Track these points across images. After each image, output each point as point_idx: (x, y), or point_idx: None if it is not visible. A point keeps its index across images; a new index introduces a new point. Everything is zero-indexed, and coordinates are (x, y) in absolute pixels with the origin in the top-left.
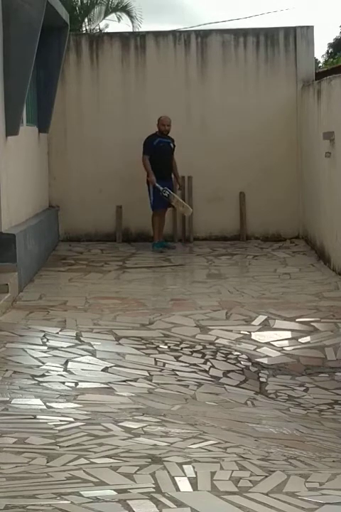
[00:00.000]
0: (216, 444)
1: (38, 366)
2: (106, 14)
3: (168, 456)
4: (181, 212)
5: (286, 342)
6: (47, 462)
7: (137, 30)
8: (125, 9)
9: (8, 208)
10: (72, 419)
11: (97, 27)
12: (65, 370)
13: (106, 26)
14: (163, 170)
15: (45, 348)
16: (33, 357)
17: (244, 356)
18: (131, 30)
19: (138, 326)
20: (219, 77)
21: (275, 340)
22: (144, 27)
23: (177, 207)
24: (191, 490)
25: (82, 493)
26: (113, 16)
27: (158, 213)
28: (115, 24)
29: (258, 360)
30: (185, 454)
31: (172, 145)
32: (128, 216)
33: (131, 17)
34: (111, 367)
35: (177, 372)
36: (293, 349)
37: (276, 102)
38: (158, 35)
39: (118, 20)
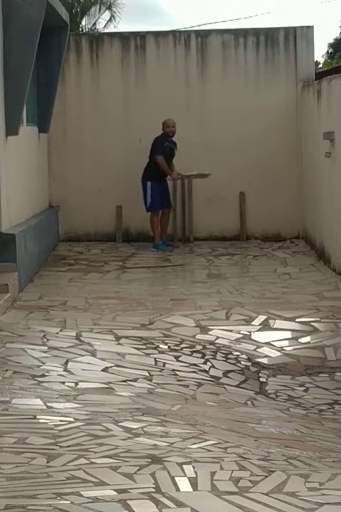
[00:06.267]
0: (216, 444)
1: (38, 366)
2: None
3: (168, 456)
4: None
5: (286, 342)
6: (47, 462)
7: (115, 26)
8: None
9: (8, 208)
10: (72, 419)
11: (95, 26)
12: (65, 370)
13: (98, 23)
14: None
15: (45, 348)
16: (33, 357)
17: (244, 356)
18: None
19: (138, 326)
20: (219, 77)
21: (275, 340)
22: (131, 28)
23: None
24: (191, 490)
25: (82, 493)
26: (108, 15)
27: (157, 214)
28: (105, 23)
29: (258, 360)
30: (185, 454)
31: (175, 150)
32: (128, 216)
33: (112, 13)
34: (111, 367)
35: (177, 372)
36: (293, 349)
37: (276, 102)
38: (157, 35)
39: (111, 19)
